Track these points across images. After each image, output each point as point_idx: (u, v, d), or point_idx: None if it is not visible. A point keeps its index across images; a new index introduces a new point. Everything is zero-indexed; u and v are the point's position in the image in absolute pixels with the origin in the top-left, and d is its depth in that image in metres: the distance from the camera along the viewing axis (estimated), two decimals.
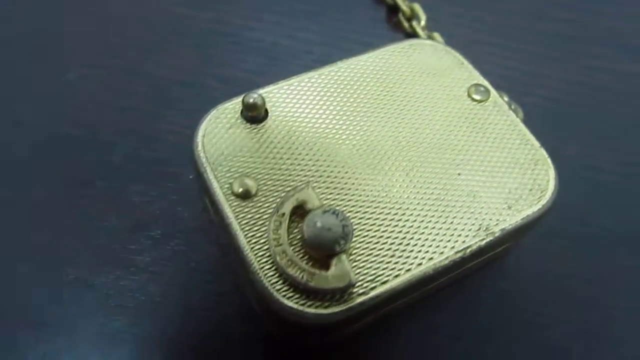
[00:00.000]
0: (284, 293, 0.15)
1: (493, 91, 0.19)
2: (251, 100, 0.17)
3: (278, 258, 0.15)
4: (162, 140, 0.21)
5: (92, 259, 0.19)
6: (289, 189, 0.16)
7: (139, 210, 0.20)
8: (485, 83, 0.20)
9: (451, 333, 0.19)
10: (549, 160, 0.18)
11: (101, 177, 0.20)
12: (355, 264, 0.15)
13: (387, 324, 0.18)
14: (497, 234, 0.16)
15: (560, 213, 0.21)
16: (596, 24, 0.27)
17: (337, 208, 0.16)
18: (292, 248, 0.15)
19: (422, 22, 0.25)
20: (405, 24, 0.26)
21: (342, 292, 0.15)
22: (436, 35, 0.24)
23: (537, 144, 0.18)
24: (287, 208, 0.16)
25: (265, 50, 0.24)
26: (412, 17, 0.25)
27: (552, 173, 0.18)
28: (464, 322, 0.19)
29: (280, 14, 0.26)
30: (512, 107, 0.20)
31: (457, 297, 0.19)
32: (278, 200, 0.16)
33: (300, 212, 0.16)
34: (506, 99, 0.20)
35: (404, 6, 0.26)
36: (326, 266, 0.15)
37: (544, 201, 0.17)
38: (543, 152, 0.18)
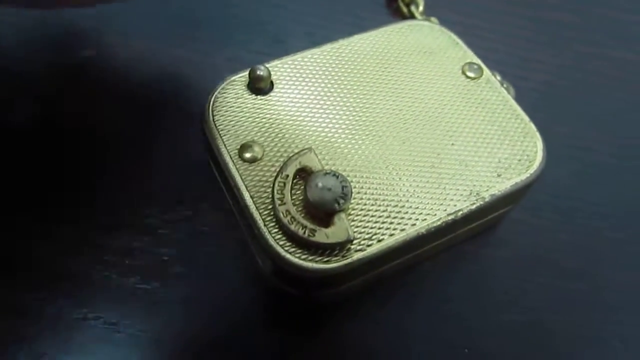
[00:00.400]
0: (287, 248, 0.16)
1: (486, 69, 0.21)
2: (258, 72, 0.18)
3: (282, 216, 0.16)
4: (171, 113, 0.23)
5: (107, 222, 0.20)
6: (292, 154, 0.17)
7: (151, 178, 0.21)
8: (479, 62, 0.21)
9: (441, 296, 0.20)
10: (537, 133, 0.19)
11: (115, 148, 0.22)
12: (353, 222, 0.17)
13: (383, 286, 0.20)
14: (486, 199, 0.18)
15: (550, 189, 0.22)
16: (590, 12, 0.28)
17: (337, 170, 0.17)
18: (294, 207, 0.16)
19: (421, 8, 0.26)
20: (405, 9, 0.27)
21: (341, 248, 0.16)
22: (433, 19, 0.25)
23: (526, 118, 0.20)
24: (291, 170, 0.17)
25: (270, 32, 0.26)
26: (411, 2, 0.26)
27: (539, 145, 0.19)
28: (453, 286, 0.20)
29: None
30: (504, 85, 0.21)
31: (450, 263, 0.20)
32: (282, 163, 0.17)
33: (302, 174, 0.17)
34: (498, 77, 0.21)
35: None
36: (326, 224, 0.16)
37: (531, 170, 0.18)
38: (532, 125, 0.19)
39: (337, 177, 0.17)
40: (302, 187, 0.17)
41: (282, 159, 0.18)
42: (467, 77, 0.20)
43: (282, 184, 0.17)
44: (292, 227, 0.16)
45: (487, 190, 0.18)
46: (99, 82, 0.23)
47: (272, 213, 0.16)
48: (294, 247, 0.16)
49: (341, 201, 0.16)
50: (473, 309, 0.20)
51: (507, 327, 0.19)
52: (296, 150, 0.18)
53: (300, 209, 0.17)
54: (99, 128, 0.22)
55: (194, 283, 0.19)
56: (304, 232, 0.16)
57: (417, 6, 0.26)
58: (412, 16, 0.26)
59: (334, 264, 0.16)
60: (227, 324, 0.19)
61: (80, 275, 0.19)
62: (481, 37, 0.27)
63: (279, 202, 0.16)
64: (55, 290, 0.19)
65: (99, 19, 0.25)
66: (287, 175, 0.17)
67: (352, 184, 0.17)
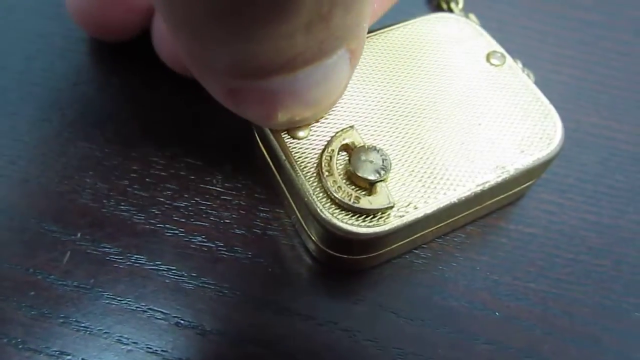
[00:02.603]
0: (335, 214, 0.18)
1: (508, 57, 0.23)
2: None
3: (329, 185, 0.18)
4: None
5: (176, 186, 0.22)
6: (337, 131, 0.20)
7: (214, 149, 0.23)
8: (502, 50, 0.23)
9: (472, 264, 0.22)
10: (556, 114, 0.21)
11: (182, 121, 0.24)
12: (392, 192, 0.19)
13: (420, 252, 0.22)
14: (511, 172, 0.20)
15: (578, 174, 0.24)
16: (620, 13, 0.30)
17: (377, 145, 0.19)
18: (340, 177, 0.19)
19: (460, 4, 0.28)
20: (444, 6, 0.29)
21: (382, 213, 0.18)
22: (472, 15, 0.27)
23: (546, 101, 0.22)
24: (336, 145, 0.19)
25: None
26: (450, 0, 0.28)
27: (559, 124, 0.21)
28: (484, 256, 0.22)
29: None
30: (525, 72, 0.23)
31: (482, 236, 0.22)
32: (328, 139, 0.19)
33: (346, 149, 0.19)
34: (520, 65, 0.23)
35: None
36: (369, 192, 0.18)
37: (552, 147, 0.20)
38: (552, 107, 0.21)
39: (378, 151, 0.19)
40: (347, 160, 0.19)
41: (326, 136, 0.20)
42: (492, 64, 0.22)
43: (328, 158, 0.19)
44: (339, 195, 0.18)
45: (512, 164, 0.20)
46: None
47: (320, 184, 0.19)
48: (341, 213, 0.18)
49: (382, 172, 0.18)
50: (503, 277, 0.21)
51: (535, 295, 0.21)
52: (340, 128, 0.20)
53: (345, 179, 0.19)
54: (167, 106, 0.25)
55: (252, 244, 0.21)
56: (350, 199, 0.18)
57: (456, 3, 0.28)
58: (451, 12, 0.28)
59: (377, 227, 0.18)
60: (282, 284, 0.21)
61: (153, 232, 0.21)
62: (515, 32, 0.29)
63: (327, 173, 0.19)
64: (130, 244, 0.21)
65: None
66: (333, 150, 0.19)
67: (390, 157, 0.19)
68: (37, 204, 0.22)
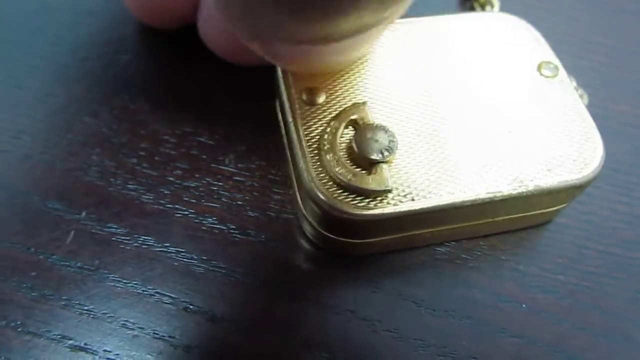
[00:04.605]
0: (327, 187, 0.17)
1: (562, 70, 0.21)
2: None
3: (327, 158, 0.17)
4: (243, 74, 0.24)
5: (187, 166, 0.21)
6: (346, 106, 0.18)
7: (227, 128, 0.22)
8: (557, 62, 0.21)
9: (498, 253, 0.21)
10: (600, 140, 0.19)
11: (195, 99, 0.23)
12: (394, 178, 0.17)
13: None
14: (529, 188, 0.18)
15: (609, 163, 0.23)
16: None
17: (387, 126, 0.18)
18: (341, 152, 0.17)
19: (496, 8, 0.26)
20: (479, 10, 0.27)
21: (378, 195, 0.17)
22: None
23: (593, 124, 0.19)
24: (344, 118, 0.18)
25: None
26: (486, 3, 0.27)
27: (600, 151, 0.19)
28: (510, 245, 0.21)
29: None
30: (579, 92, 0.22)
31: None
32: (338, 111, 0.18)
33: (355, 124, 0.18)
34: (574, 83, 0.22)
35: None
36: (369, 172, 0.17)
37: (584, 173, 0.18)
38: (596, 132, 0.19)
39: (386, 131, 0.18)
40: (353, 136, 0.18)
41: (340, 107, 0.18)
42: (542, 74, 0.20)
43: (334, 130, 0.18)
44: (336, 169, 0.17)
45: (532, 180, 0.18)
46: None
47: (318, 154, 0.17)
48: (333, 188, 0.17)
49: (385, 152, 0.17)
50: (530, 267, 0.20)
51: (564, 288, 0.20)
52: (359, 102, 0.19)
53: (346, 155, 0.18)
54: (177, 84, 0.24)
55: (265, 227, 0.20)
56: (347, 177, 0.17)
57: (492, 6, 0.26)
58: None
59: (364, 210, 0.17)
60: (297, 270, 0.20)
61: (162, 213, 0.20)
62: (543, 17, 0.28)
63: (328, 146, 0.17)
64: (138, 225, 0.20)
65: None
66: (340, 123, 0.18)
67: (401, 144, 0.18)
68: (41, 181, 0.21)
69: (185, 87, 0.23)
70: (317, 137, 0.18)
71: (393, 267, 0.20)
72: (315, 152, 0.18)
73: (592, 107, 0.22)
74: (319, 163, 0.17)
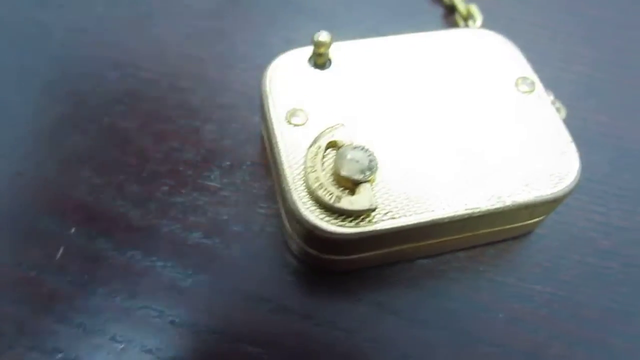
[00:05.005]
0: (312, 210, 0.17)
1: (540, 86, 0.21)
2: (321, 37, 0.20)
3: (311, 182, 0.18)
4: (232, 88, 0.25)
5: (173, 182, 0.22)
6: (326, 127, 0.19)
7: (212, 145, 0.23)
8: (534, 77, 0.21)
9: (472, 265, 0.21)
10: (576, 155, 0.19)
11: (181, 116, 0.24)
12: (375, 196, 0.18)
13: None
14: (507, 204, 0.18)
15: (586, 173, 0.23)
16: (629, 9, 0.29)
17: (366, 146, 0.18)
18: (324, 174, 0.18)
19: (478, 22, 0.26)
20: (461, 23, 0.27)
21: (363, 215, 0.17)
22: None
23: (569, 138, 0.20)
24: (324, 142, 0.18)
25: (325, 17, 0.28)
26: (468, 17, 0.27)
27: (575, 165, 0.19)
28: (487, 256, 0.21)
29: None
30: (556, 105, 0.22)
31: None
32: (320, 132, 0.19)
33: (335, 146, 0.19)
34: (552, 97, 0.22)
35: (461, 7, 0.27)
36: (353, 192, 0.18)
37: (560, 187, 0.19)
38: (573, 146, 0.20)
39: (365, 151, 0.18)
40: (334, 157, 0.18)
41: (323, 128, 0.19)
42: (519, 90, 0.21)
43: (314, 153, 0.18)
44: (320, 192, 0.17)
45: (510, 196, 0.18)
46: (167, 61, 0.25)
47: (303, 176, 0.18)
48: (317, 210, 0.17)
49: (367, 172, 0.17)
50: (507, 278, 0.21)
51: (541, 297, 0.20)
52: (338, 122, 0.19)
53: (329, 177, 0.18)
54: (164, 100, 0.24)
55: (250, 242, 0.21)
56: (330, 198, 0.17)
57: (474, 21, 0.27)
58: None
59: (347, 229, 0.17)
60: (280, 283, 0.20)
61: (149, 228, 0.21)
62: (526, 30, 0.28)
63: (310, 168, 0.18)
64: (126, 240, 0.21)
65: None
66: (320, 146, 0.18)
67: (381, 162, 0.18)
68: (31, 197, 0.21)
69: (172, 105, 0.24)
70: (301, 158, 0.18)
71: (374, 280, 0.20)
72: (300, 174, 0.18)
73: (571, 119, 0.22)
74: (303, 186, 0.18)
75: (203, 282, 0.20)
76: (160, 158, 0.22)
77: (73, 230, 0.21)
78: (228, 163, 0.22)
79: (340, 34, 0.27)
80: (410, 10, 0.28)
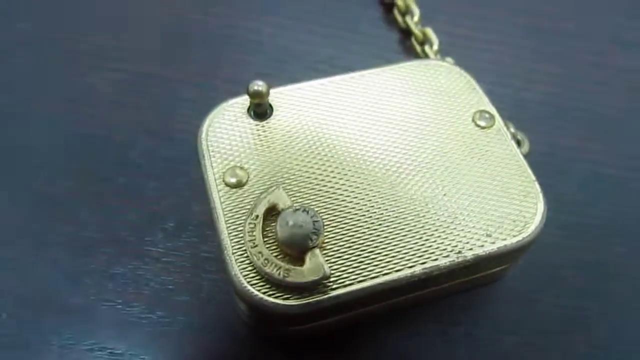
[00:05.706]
0: (259, 288, 0.16)
1: (499, 120, 0.20)
2: (255, 88, 0.18)
3: (255, 259, 0.16)
4: (175, 138, 0.23)
5: (112, 250, 0.20)
6: (277, 183, 0.17)
7: (155, 205, 0.21)
8: (493, 111, 0.20)
9: (447, 320, 0.20)
10: (540, 195, 0.18)
11: (121, 174, 0.22)
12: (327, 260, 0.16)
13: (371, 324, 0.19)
14: (468, 258, 0.16)
15: (556, 204, 0.22)
16: (595, 22, 0.28)
17: (308, 205, 0.16)
18: (267, 247, 0.16)
19: (435, 47, 0.25)
20: (418, 49, 0.26)
21: (318, 285, 0.16)
22: (449, 59, 0.24)
23: (532, 177, 0.18)
24: (260, 210, 0.17)
25: (272, 53, 0.26)
26: (425, 41, 0.25)
27: (540, 207, 0.18)
28: (458, 308, 0.20)
29: (289, 19, 0.27)
30: (518, 137, 0.20)
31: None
32: (252, 203, 0.17)
33: (273, 212, 0.17)
34: (512, 129, 0.20)
35: (416, 31, 0.26)
36: (302, 261, 0.16)
37: (525, 234, 0.17)
38: (536, 185, 0.18)
39: (308, 212, 0.16)
40: (274, 224, 0.16)
41: (266, 187, 0.17)
42: (477, 125, 0.19)
43: (252, 225, 0.16)
44: (267, 269, 0.15)
45: (471, 249, 0.17)
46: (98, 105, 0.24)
47: (246, 252, 0.16)
48: (265, 288, 0.16)
49: (314, 237, 0.16)
50: (480, 331, 0.19)
51: (513, 350, 0.19)
52: (282, 180, 0.17)
53: (273, 248, 0.16)
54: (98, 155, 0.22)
55: (198, 312, 0.19)
56: (279, 274, 0.15)
57: (431, 45, 0.25)
58: (426, 56, 0.25)
59: (298, 302, 0.15)
60: (227, 355, 0.19)
61: (86, 306, 0.19)
62: (486, 49, 0.27)
63: (251, 244, 0.16)
64: (59, 323, 0.19)
65: None
66: (257, 216, 0.16)
67: (329, 223, 0.17)
68: None
69: (107, 160, 0.22)
70: (242, 224, 0.16)
71: (330, 345, 0.19)
72: (243, 250, 0.16)
73: (536, 145, 0.21)
74: (245, 256, 0.16)
75: None
76: (97, 224, 0.21)
77: (4, 316, 0.19)
78: (172, 224, 0.21)
79: (290, 69, 0.25)
80: (365, 38, 0.27)
